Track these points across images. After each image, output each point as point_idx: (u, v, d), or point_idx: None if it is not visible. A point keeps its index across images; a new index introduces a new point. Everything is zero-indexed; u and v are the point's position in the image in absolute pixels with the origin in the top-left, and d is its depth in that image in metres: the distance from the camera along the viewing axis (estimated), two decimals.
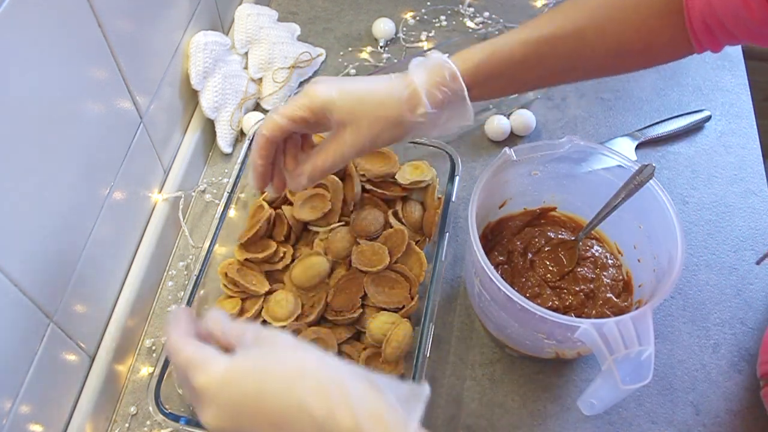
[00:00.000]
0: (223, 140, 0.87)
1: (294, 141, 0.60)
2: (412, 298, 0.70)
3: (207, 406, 0.41)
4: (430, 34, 1.02)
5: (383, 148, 0.69)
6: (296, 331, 0.68)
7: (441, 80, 0.55)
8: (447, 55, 0.57)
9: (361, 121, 0.54)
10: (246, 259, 0.71)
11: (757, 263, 0.77)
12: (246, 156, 0.77)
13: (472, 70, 0.56)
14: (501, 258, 0.72)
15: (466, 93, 0.56)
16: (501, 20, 1.03)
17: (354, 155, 0.56)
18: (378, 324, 0.66)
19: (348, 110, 0.54)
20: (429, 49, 0.96)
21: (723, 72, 0.97)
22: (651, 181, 0.63)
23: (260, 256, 0.71)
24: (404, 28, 1.03)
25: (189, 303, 0.67)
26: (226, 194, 0.74)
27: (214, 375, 0.41)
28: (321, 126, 0.57)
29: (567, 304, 0.69)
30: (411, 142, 0.77)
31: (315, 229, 0.74)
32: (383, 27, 1.00)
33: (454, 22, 1.04)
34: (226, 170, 0.87)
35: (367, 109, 0.55)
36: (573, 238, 0.73)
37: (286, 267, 0.73)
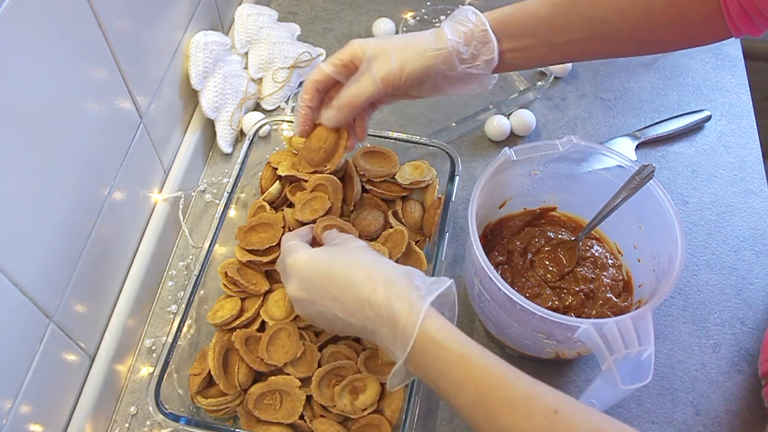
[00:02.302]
0: (223, 140, 0.88)
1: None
2: None
3: (291, 279, 0.58)
4: None
5: (383, 147, 0.72)
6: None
7: (463, 18, 0.61)
8: None
9: (389, 51, 0.59)
10: (248, 261, 0.71)
11: None
12: (246, 156, 0.77)
13: (498, 19, 0.61)
14: (501, 258, 0.72)
15: (487, 24, 0.60)
16: None
17: (382, 85, 0.59)
18: None
19: (378, 46, 0.60)
20: None
21: (723, 72, 0.97)
22: (651, 181, 0.63)
23: (264, 259, 0.70)
24: (404, 28, 1.03)
25: (189, 303, 0.67)
26: (226, 194, 0.74)
27: (300, 257, 0.57)
28: None
29: (567, 304, 0.69)
30: (410, 142, 0.77)
31: None
32: (383, 27, 1.00)
33: None
34: (226, 170, 0.87)
35: (395, 42, 0.61)
36: (573, 238, 0.73)
37: None
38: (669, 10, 0.58)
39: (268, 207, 0.75)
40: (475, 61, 0.61)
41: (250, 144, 0.78)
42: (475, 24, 0.60)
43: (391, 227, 0.74)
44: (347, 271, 0.54)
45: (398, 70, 0.59)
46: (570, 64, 0.95)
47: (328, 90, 0.64)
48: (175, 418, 0.61)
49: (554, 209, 0.76)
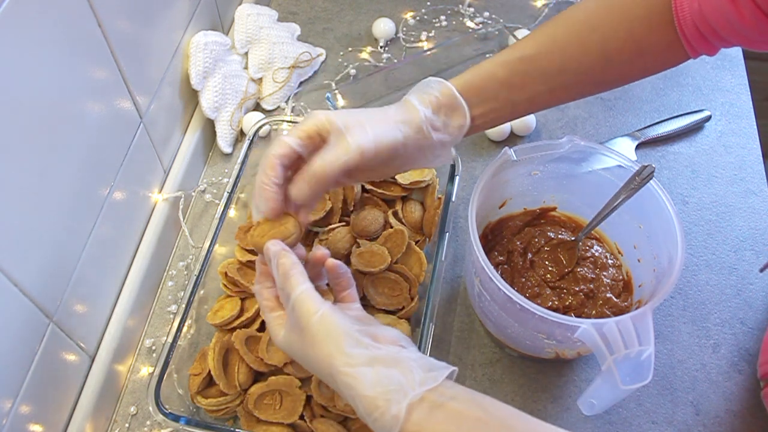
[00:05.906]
0: (223, 140, 0.88)
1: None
2: (412, 299, 0.70)
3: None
4: (430, 34, 1.02)
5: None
6: None
7: (428, 89, 0.59)
8: None
9: (362, 121, 0.55)
10: (248, 261, 0.71)
11: (761, 271, 0.77)
12: (246, 156, 0.77)
13: (460, 86, 0.59)
14: (501, 258, 0.72)
15: (454, 89, 0.58)
16: (501, 20, 1.03)
17: (358, 153, 0.54)
18: None
19: (348, 117, 0.56)
20: (429, 49, 0.96)
21: (723, 72, 0.97)
22: (651, 181, 0.63)
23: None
24: (404, 28, 1.03)
25: (189, 303, 0.67)
26: (226, 194, 0.74)
27: (277, 342, 0.55)
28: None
29: (567, 304, 0.69)
30: None
31: (315, 229, 0.74)
32: (383, 27, 1.00)
33: (454, 22, 1.04)
34: (226, 170, 0.87)
35: (365, 115, 0.57)
36: (573, 238, 0.73)
37: None
38: (626, 46, 0.57)
39: None
40: (448, 128, 0.59)
41: (250, 144, 0.78)
42: (440, 91, 0.58)
43: (391, 227, 0.74)
44: (325, 373, 0.50)
45: (374, 141, 0.54)
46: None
47: (291, 166, 0.57)
48: (175, 418, 0.61)
49: (554, 209, 0.76)
